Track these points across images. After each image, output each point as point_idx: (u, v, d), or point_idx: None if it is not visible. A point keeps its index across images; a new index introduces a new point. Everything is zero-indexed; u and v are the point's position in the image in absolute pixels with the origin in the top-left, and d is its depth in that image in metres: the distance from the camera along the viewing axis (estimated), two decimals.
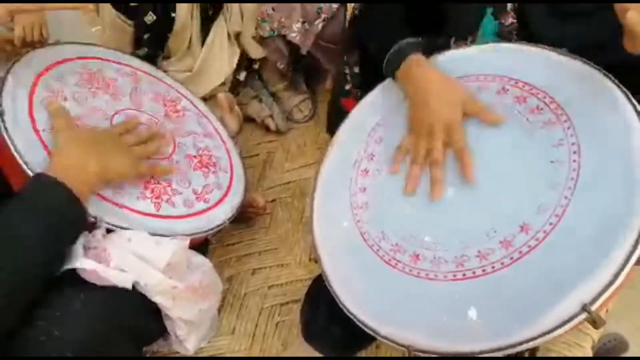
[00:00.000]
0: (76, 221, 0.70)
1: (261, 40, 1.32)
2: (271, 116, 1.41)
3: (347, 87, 1.19)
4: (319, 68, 1.45)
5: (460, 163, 0.69)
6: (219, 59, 1.31)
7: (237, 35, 1.33)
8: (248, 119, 1.45)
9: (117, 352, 0.74)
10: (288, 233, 1.18)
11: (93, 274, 0.69)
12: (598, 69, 0.66)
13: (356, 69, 1.06)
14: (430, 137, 0.71)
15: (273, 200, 1.27)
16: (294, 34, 1.24)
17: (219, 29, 1.29)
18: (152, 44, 1.23)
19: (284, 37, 1.27)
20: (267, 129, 1.43)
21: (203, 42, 1.28)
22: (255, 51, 1.34)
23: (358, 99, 0.89)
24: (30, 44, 1.04)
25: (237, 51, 1.34)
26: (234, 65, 1.34)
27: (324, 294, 0.84)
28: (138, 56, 1.16)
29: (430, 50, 0.80)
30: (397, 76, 0.79)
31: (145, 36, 1.20)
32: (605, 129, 0.61)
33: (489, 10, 0.81)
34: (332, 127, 1.32)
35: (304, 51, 1.27)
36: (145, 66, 1.05)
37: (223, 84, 1.35)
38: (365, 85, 0.97)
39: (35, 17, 1.03)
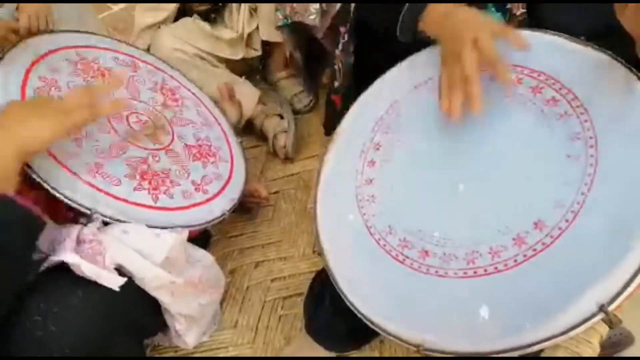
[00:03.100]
0: None
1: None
2: (285, 132, 1.35)
3: (337, 83, 1.16)
4: (322, 59, 1.42)
5: (497, 76, 0.65)
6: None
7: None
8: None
9: (116, 347, 0.73)
10: (291, 225, 1.17)
11: (80, 269, 0.67)
12: (616, 58, 0.63)
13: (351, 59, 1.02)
14: (460, 56, 0.66)
15: (276, 192, 1.25)
16: (312, 17, 1.21)
17: None
18: None
19: (296, 26, 1.25)
20: (273, 151, 1.35)
21: None
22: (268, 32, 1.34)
23: (346, 94, 0.85)
24: (35, 34, 1.03)
25: None
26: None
27: (328, 288, 0.82)
28: (199, 12, 1.18)
29: None
30: (420, 26, 0.75)
31: None
32: (624, 122, 0.58)
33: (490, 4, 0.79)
34: (326, 123, 1.31)
35: (320, 35, 1.24)
36: (145, 55, 1.03)
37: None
38: (358, 79, 0.94)
39: (40, 7, 1.02)
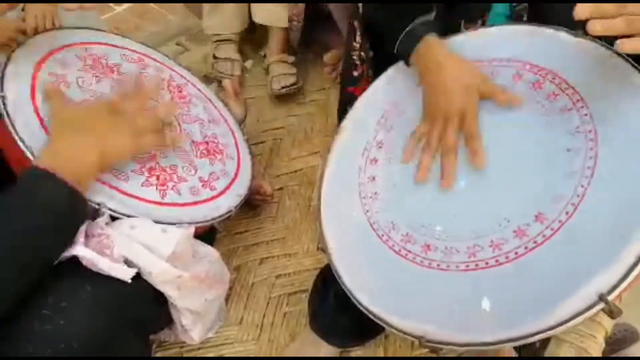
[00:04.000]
0: (72, 213, 0.66)
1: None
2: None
3: (356, 73, 1.15)
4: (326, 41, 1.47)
5: (468, 149, 0.67)
6: None
7: None
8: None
9: (123, 342, 0.73)
10: (295, 222, 1.18)
11: (92, 262, 0.68)
12: (615, 51, 0.63)
13: (370, 53, 1.02)
14: (445, 123, 0.69)
15: (280, 189, 1.26)
16: None
17: None
18: None
19: None
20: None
21: None
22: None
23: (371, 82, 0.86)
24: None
25: None
26: None
27: (332, 284, 0.83)
28: None
29: (440, 32, 0.78)
30: (411, 60, 0.76)
31: None
32: (624, 116, 0.59)
33: None
34: (340, 115, 1.30)
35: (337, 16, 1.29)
36: (152, 52, 1.04)
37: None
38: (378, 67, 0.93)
39: (46, 7, 1.03)
